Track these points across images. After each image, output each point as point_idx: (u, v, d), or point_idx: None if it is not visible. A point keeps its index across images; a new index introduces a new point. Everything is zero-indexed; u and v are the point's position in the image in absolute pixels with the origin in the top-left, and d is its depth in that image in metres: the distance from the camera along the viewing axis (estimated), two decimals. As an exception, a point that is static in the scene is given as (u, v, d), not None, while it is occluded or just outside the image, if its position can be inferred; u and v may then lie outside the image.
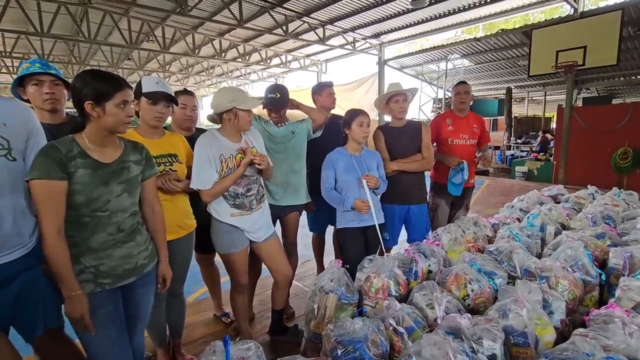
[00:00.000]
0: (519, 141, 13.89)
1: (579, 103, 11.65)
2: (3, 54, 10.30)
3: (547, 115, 15.60)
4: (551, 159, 9.32)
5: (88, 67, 11.99)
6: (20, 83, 1.62)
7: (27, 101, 1.64)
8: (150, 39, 9.53)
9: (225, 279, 2.42)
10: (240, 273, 1.89)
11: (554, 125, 14.37)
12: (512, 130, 13.49)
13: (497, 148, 14.23)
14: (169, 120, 2.02)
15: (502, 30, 8.84)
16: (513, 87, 13.22)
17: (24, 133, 1.32)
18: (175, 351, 1.94)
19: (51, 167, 1.13)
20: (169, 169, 1.67)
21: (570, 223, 2.51)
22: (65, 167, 1.15)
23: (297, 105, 2.29)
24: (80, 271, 1.22)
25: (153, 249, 1.45)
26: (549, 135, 12.47)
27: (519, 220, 2.70)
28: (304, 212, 2.63)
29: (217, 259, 2.27)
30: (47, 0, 7.31)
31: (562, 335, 1.39)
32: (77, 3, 7.64)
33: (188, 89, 2.19)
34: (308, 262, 3.25)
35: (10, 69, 12.29)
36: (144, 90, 1.60)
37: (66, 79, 1.68)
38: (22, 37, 9.50)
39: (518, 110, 16.83)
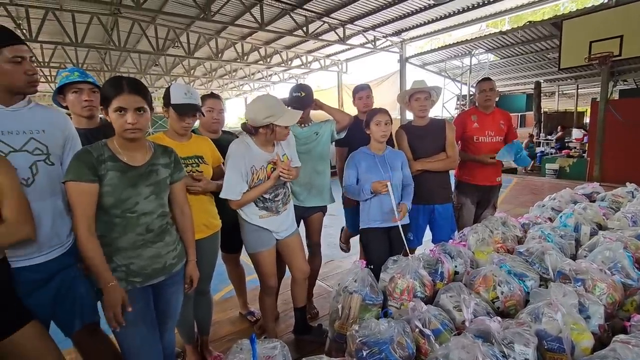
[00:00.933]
0: (549, 137, 13.29)
1: (615, 96, 10.99)
2: (42, 64, 10.94)
3: (579, 109, 14.87)
4: (585, 155, 8.86)
5: (118, 74, 12.52)
6: (60, 91, 1.71)
7: (66, 108, 1.74)
8: (176, 45, 9.86)
9: (249, 278, 2.47)
10: (269, 274, 1.92)
11: (587, 119, 13.69)
12: (542, 126, 12.92)
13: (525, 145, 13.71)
14: (196, 123, 2.08)
15: (530, 22, 8.50)
16: (542, 81, 12.66)
17: (61, 139, 1.40)
18: (203, 348, 1.99)
19: (83, 170, 1.19)
20: (196, 170, 1.72)
21: (607, 223, 2.38)
22: (96, 170, 1.21)
23: (320, 106, 2.30)
24: (112, 270, 1.27)
25: (182, 249, 1.49)
26: (580, 131, 11.89)
27: (550, 220, 2.59)
28: (342, 211, 2.65)
29: (242, 258, 2.32)
30: (81, 12, 7.71)
31: (601, 342, 1.32)
32: (108, 13, 8.02)
33: (212, 92, 2.24)
34: (331, 262, 3.26)
35: (48, 77, 13.03)
36: (172, 102, 1.65)
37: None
38: (58, 48, 10.07)
39: (548, 105, 16.11)
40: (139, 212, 1.28)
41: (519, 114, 15.82)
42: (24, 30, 7.48)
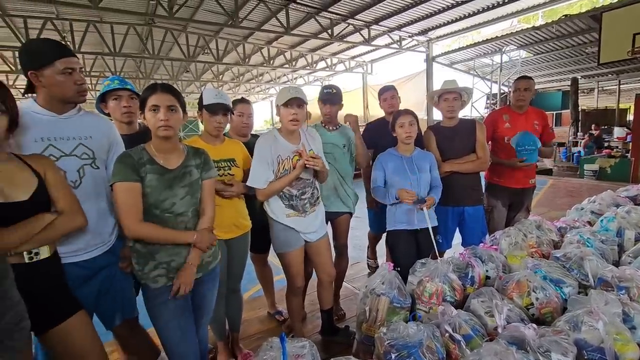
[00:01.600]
0: (585, 137, 12.56)
1: (663, 91, 10.25)
2: (84, 73, 11.66)
3: (621, 106, 13.95)
4: (628, 155, 8.30)
5: (152, 81, 13.13)
6: (102, 98, 1.83)
7: (108, 115, 1.85)
8: (206, 51, 10.22)
9: (277, 278, 2.52)
10: (296, 275, 1.94)
11: (630, 117, 12.83)
12: (579, 125, 12.23)
13: (561, 145, 13.03)
14: (227, 127, 2.16)
15: (566, 15, 8.09)
16: (579, 77, 12.03)
17: (106, 144, 1.51)
18: (234, 344, 2.05)
19: (128, 171, 1.28)
20: (227, 173, 1.78)
21: (654, 227, 2.22)
22: (138, 172, 1.30)
23: (354, 129, 2.28)
24: (155, 267, 1.35)
25: (217, 249, 1.56)
26: (623, 129, 11.15)
27: (590, 223, 2.46)
28: (366, 216, 2.65)
29: (270, 258, 2.37)
30: (119, 23, 8.17)
31: (648, 354, 1.24)
32: (143, 23, 8.45)
33: (242, 97, 2.31)
34: (358, 264, 3.25)
35: (89, 86, 13.88)
36: (204, 103, 1.73)
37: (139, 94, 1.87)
38: (98, 58, 10.70)
39: (586, 102, 15.25)
40: (175, 212, 1.35)
41: (554, 113, 15.07)
42: (69, 42, 8.02)
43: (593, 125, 11.99)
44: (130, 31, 8.47)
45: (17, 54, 9.37)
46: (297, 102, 1.74)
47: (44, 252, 1.17)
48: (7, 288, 0.93)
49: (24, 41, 7.55)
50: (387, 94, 2.66)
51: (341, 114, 2.33)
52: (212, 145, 1.75)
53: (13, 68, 9.84)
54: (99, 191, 1.46)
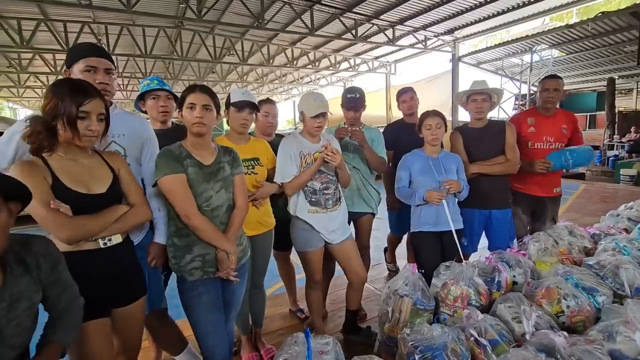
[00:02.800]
0: (624, 140, 11.89)
1: None
2: (117, 74, 12.20)
3: (664, 108, 13.11)
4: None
5: (180, 82, 13.58)
6: (141, 97, 1.93)
7: (145, 112, 1.96)
8: (231, 52, 10.45)
9: (300, 276, 2.55)
10: (315, 271, 1.98)
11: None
12: (615, 127, 11.60)
13: (595, 148, 12.39)
14: (253, 126, 2.21)
15: (603, 13, 7.69)
16: (616, 77, 11.40)
17: (139, 142, 1.57)
18: (257, 339, 2.10)
19: (174, 164, 1.37)
20: (251, 172, 1.83)
21: (698, 237, 2.09)
22: (181, 165, 1.38)
23: (362, 144, 2.18)
24: (192, 259, 1.41)
25: (247, 245, 1.61)
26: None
27: (626, 231, 2.35)
28: (387, 214, 2.65)
29: (293, 256, 2.41)
30: (150, 26, 8.50)
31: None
32: (172, 26, 8.75)
33: (268, 97, 2.37)
34: (379, 265, 3.24)
35: (121, 86, 14.50)
36: (232, 100, 1.80)
37: (175, 94, 1.97)
38: (130, 59, 11.17)
39: (623, 103, 14.42)
40: (212, 206, 1.42)
41: (588, 114, 14.39)
42: (104, 45, 8.43)
43: (633, 128, 11.34)
44: (160, 34, 8.80)
45: (57, 56, 10.02)
46: (323, 114, 1.85)
47: (116, 239, 1.28)
48: (61, 272, 1.02)
49: (63, 44, 8.00)
50: (406, 95, 2.63)
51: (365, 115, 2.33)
52: (237, 145, 1.81)
53: (53, 70, 10.43)
54: None
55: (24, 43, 7.80)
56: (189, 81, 13.97)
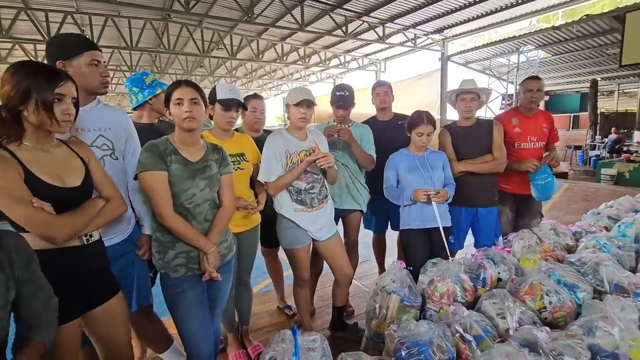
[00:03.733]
0: (606, 140, 12.24)
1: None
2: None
3: (643, 109, 13.52)
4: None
5: (167, 75, 13.33)
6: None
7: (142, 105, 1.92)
8: (220, 47, 10.29)
9: (287, 273, 2.54)
10: (302, 268, 1.97)
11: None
12: (597, 128, 11.92)
13: (578, 148, 12.72)
14: (240, 122, 2.18)
15: (587, 15, 7.87)
16: (599, 79, 11.70)
17: (124, 136, 1.55)
18: (243, 336, 2.08)
19: (156, 160, 1.33)
20: (238, 167, 1.81)
21: (674, 235, 2.17)
22: (164, 161, 1.35)
23: (349, 142, 2.16)
24: (175, 256, 1.39)
25: (232, 241, 1.60)
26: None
27: (606, 229, 2.42)
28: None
29: (281, 253, 2.39)
30: (136, 18, 8.29)
31: (664, 362, 1.22)
32: (159, 18, 8.55)
33: (256, 93, 2.33)
34: (367, 262, 3.25)
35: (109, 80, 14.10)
36: (218, 97, 1.75)
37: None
38: (115, 52, 10.88)
39: (605, 104, 14.83)
40: (195, 203, 1.39)
41: (572, 115, 14.73)
42: (87, 36, 8.18)
43: (613, 129, 11.66)
44: (147, 26, 8.58)
45: (38, 47, 9.68)
46: (307, 103, 1.83)
47: (96, 235, 1.25)
48: (34, 270, 0.98)
49: (45, 34, 7.73)
50: (381, 89, 2.53)
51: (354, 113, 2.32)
52: (221, 140, 1.78)
53: (34, 60, 10.07)
54: (118, 181, 1.50)
55: (3, 32, 7.50)
56: (176, 75, 13.71)
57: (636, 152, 10.50)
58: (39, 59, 9.91)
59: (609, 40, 8.85)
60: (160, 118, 2.00)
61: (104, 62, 1.47)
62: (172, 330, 1.62)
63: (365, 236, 2.80)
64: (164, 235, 1.39)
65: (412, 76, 11.58)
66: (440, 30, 9.63)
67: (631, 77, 11.79)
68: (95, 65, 1.41)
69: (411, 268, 1.81)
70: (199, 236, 1.38)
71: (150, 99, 1.88)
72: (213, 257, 1.39)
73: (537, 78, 2.56)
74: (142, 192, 1.46)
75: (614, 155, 10.56)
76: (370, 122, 2.53)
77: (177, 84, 1.40)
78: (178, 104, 1.37)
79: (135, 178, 1.37)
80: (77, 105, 1.18)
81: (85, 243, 1.20)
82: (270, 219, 2.00)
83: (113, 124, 1.51)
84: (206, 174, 1.42)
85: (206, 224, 1.43)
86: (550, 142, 2.61)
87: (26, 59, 9.89)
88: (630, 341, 1.18)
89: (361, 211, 2.32)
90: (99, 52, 1.44)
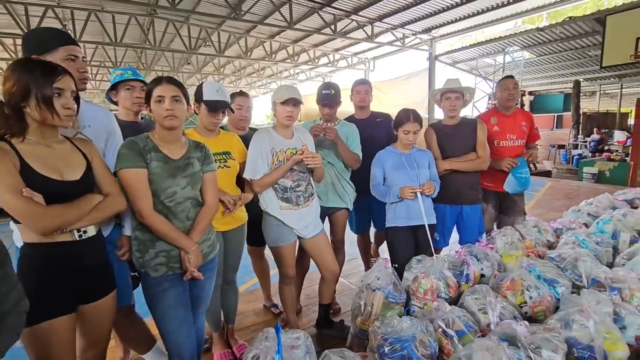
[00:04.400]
0: (588, 139, 12.57)
1: (664, 96, 10.23)
2: (85, 62, 11.57)
3: (623, 110, 13.95)
4: (627, 159, 8.33)
5: (153, 72, 13.10)
6: (113, 87, 1.84)
7: (115, 103, 1.88)
8: (207, 44, 10.15)
9: (274, 272, 2.53)
10: (288, 265, 1.97)
11: (631, 121, 12.84)
12: (580, 128, 12.24)
13: (561, 147, 13.03)
14: (226, 119, 2.16)
15: (570, 17, 8.05)
16: (582, 79, 11.99)
17: (104, 133, 1.52)
18: (229, 336, 2.07)
19: (135, 157, 1.31)
20: (224, 165, 1.79)
21: (649, 231, 2.24)
22: (144, 158, 1.33)
23: (335, 141, 2.15)
24: (156, 254, 1.37)
25: (215, 240, 1.58)
26: (624, 133, 11.13)
27: (586, 225, 2.48)
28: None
29: (267, 252, 2.38)
30: (121, 13, 8.11)
31: (637, 354, 1.27)
32: (145, 14, 8.38)
33: (241, 90, 2.31)
34: (354, 260, 3.27)
35: (90, 75, 13.77)
36: (204, 98, 1.73)
37: None
38: (99, 47, 10.64)
39: (587, 105, 15.22)
40: (176, 201, 1.37)
41: (555, 115, 15.06)
42: (69, 31, 7.96)
43: (595, 129, 11.98)
44: (132, 21, 8.40)
45: (17, 41, 9.39)
46: (293, 101, 1.83)
47: (91, 231, 1.23)
48: (8, 269, 0.95)
49: (25, 29, 7.51)
50: (362, 87, 2.49)
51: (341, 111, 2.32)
52: (207, 138, 1.76)
53: (14, 55, 9.77)
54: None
55: (-19, 26, 7.27)
56: (162, 72, 13.48)
57: (616, 151, 10.84)
58: (19, 54, 9.62)
59: (590, 42, 9.08)
60: (142, 114, 1.96)
61: (83, 57, 1.43)
62: (155, 331, 1.59)
63: (352, 234, 2.81)
64: (143, 233, 1.37)
65: (400, 75, 11.67)
66: (428, 30, 9.72)
67: (612, 79, 12.12)
68: (72, 61, 1.38)
69: (396, 265, 1.82)
70: (180, 235, 1.36)
71: (111, 93, 1.84)
72: (194, 256, 1.37)
73: (511, 77, 2.65)
74: (123, 191, 1.43)
75: (596, 154, 10.85)
76: (348, 120, 2.50)
77: (158, 81, 1.37)
78: (159, 101, 1.35)
79: (114, 175, 1.34)
80: (77, 99, 1.19)
81: (77, 238, 1.18)
82: (256, 217, 1.98)
83: (93, 121, 1.48)
84: (188, 171, 1.40)
85: (188, 223, 1.41)
86: (530, 140, 2.68)
87: (5, 54, 9.62)
88: (604, 333, 1.22)
89: (347, 209, 2.33)
90: (77, 47, 1.41)
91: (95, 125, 1.48)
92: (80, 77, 1.41)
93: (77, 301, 1.23)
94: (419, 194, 2.01)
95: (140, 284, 1.73)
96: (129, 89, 1.81)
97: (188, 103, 1.44)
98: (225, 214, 1.77)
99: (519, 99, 2.66)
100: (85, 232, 1.20)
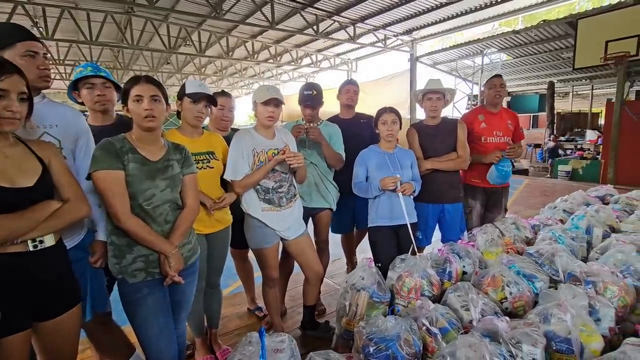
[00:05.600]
0: (562, 138, 13.05)
1: (631, 97, 10.74)
2: (57, 61, 11.16)
3: (594, 110, 14.56)
4: (599, 157, 8.70)
5: (131, 72, 12.75)
6: (75, 87, 1.73)
7: (82, 104, 1.77)
8: (188, 43, 9.97)
9: (258, 274, 2.50)
10: (271, 267, 1.95)
11: (602, 121, 13.42)
12: (555, 127, 12.70)
13: (537, 146, 13.48)
14: (207, 121, 2.11)
15: (544, 21, 8.34)
16: (556, 81, 12.45)
17: (73, 134, 1.45)
18: (212, 341, 2.02)
19: (111, 158, 1.25)
20: (207, 166, 1.75)
21: (620, 226, 2.34)
22: (121, 160, 1.27)
23: (319, 141, 2.15)
24: (133, 260, 1.32)
25: (196, 243, 1.54)
26: (595, 132, 11.61)
27: (562, 221, 2.56)
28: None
29: (251, 254, 2.35)
30: (96, 11, 7.85)
31: (611, 344, 1.31)
32: (121, 12, 8.14)
33: (223, 90, 2.27)
34: (339, 260, 3.27)
35: (64, 75, 13.29)
36: (187, 91, 1.70)
37: (117, 82, 1.80)
38: (73, 46, 10.27)
39: (561, 105, 15.83)
40: (155, 204, 1.33)
41: (531, 115, 15.57)
42: (41, 29, 7.64)
43: (552, 136, 12.27)
44: (108, 19, 8.15)
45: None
46: (274, 101, 1.81)
47: (49, 240, 1.14)
48: None
49: (-8, 25, 7.15)
50: (351, 87, 2.50)
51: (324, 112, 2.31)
52: (190, 138, 1.72)
53: (-20, 53, 9.30)
54: None
55: (-57, 22, 6.88)
56: (141, 71, 13.13)
57: (589, 149, 11.30)
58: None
59: (564, 45, 9.44)
60: (119, 113, 1.87)
61: (45, 53, 1.34)
62: (134, 338, 1.54)
63: (338, 235, 2.81)
64: (120, 238, 1.31)
65: (383, 76, 11.80)
66: (409, 32, 9.87)
67: (584, 80, 12.64)
68: (31, 57, 1.29)
69: (380, 265, 1.83)
70: (159, 239, 1.32)
71: (74, 93, 1.73)
72: (174, 260, 1.33)
73: (498, 76, 2.73)
74: (97, 195, 1.37)
75: (550, 160, 11.08)
76: (333, 120, 2.50)
77: (136, 80, 1.33)
78: (137, 101, 1.30)
79: (89, 178, 1.28)
80: (30, 99, 1.10)
81: (32, 249, 1.10)
82: (239, 219, 1.95)
83: (60, 120, 1.40)
84: (167, 174, 1.36)
85: (167, 226, 1.37)
86: (516, 139, 2.77)
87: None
88: (581, 326, 1.26)
89: (331, 209, 2.32)
90: (38, 43, 1.31)
91: (63, 125, 1.40)
92: (40, 75, 1.33)
93: (33, 317, 1.14)
94: (400, 194, 2.02)
95: (111, 290, 1.68)
96: (90, 87, 1.69)
97: (167, 103, 1.40)
98: (209, 215, 1.74)
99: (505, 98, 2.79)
100: (41, 242, 1.11)
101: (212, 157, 1.79)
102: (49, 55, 1.40)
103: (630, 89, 10.46)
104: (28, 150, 1.15)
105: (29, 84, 1.11)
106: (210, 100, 1.74)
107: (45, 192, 1.14)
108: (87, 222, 1.47)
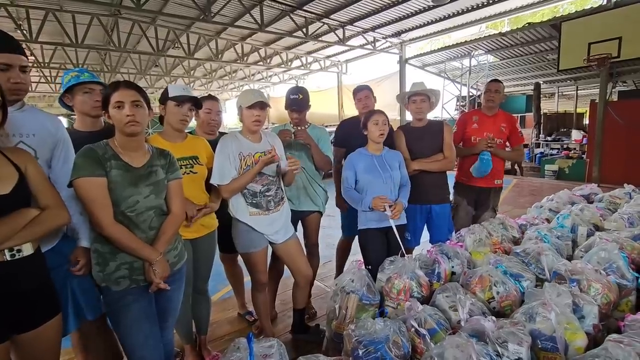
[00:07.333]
0: (549, 139, 13.30)
1: (614, 97, 11.02)
2: (42, 64, 10.95)
3: (579, 110, 14.87)
4: (584, 156, 8.89)
5: (119, 75, 12.57)
6: (68, 91, 1.69)
7: (70, 108, 1.73)
8: (176, 45, 9.88)
9: (248, 279, 2.48)
10: (260, 271, 1.94)
11: (586, 121, 13.71)
12: (541, 127, 12.94)
13: (525, 146, 13.67)
14: (194, 124, 2.09)
15: (529, 23, 8.50)
16: (542, 82, 12.69)
17: (51, 143, 1.41)
18: (202, 347, 2.00)
19: (93, 165, 1.24)
20: (190, 170, 1.73)
21: (604, 224, 2.39)
22: (103, 166, 1.25)
23: (308, 142, 2.20)
24: (117, 267, 1.30)
25: (182, 249, 1.52)
26: (580, 132, 11.85)
27: (548, 220, 2.60)
28: (339, 215, 2.64)
29: (240, 258, 2.33)
30: (81, 13, 7.73)
31: (595, 341, 1.33)
32: (108, 14, 8.04)
33: (212, 93, 2.26)
34: (329, 263, 3.27)
35: (49, 78, 13.04)
36: (170, 95, 1.68)
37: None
38: (58, 49, 10.09)
39: (547, 106, 16.13)
40: (138, 211, 1.31)
41: (519, 115, 15.82)
42: (25, 31, 7.49)
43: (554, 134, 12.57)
44: (94, 22, 8.03)
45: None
46: (260, 105, 1.80)
47: (27, 249, 1.11)
48: None
49: (-27, 28, 6.98)
50: (361, 93, 2.60)
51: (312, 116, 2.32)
52: (173, 143, 1.70)
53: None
54: None
55: None
56: (128, 74, 12.95)
57: (574, 149, 11.53)
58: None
59: (548, 47, 9.63)
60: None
61: (23, 65, 1.29)
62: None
63: (328, 237, 2.81)
64: (103, 245, 1.29)
65: (373, 78, 11.88)
66: (398, 34, 9.96)
67: (568, 81, 12.91)
68: (2, 71, 1.24)
69: (370, 267, 1.83)
70: (143, 245, 1.30)
71: (66, 97, 1.70)
72: (160, 267, 1.31)
73: (496, 81, 2.81)
74: (78, 201, 1.34)
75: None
76: (353, 122, 2.50)
77: (115, 86, 1.30)
78: (118, 107, 1.28)
79: (70, 185, 1.26)
80: (4, 107, 1.08)
81: (9, 259, 1.07)
82: (228, 223, 1.94)
83: (38, 129, 1.37)
84: (151, 180, 1.34)
85: (151, 233, 1.35)
86: (513, 143, 2.83)
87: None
88: (565, 324, 1.28)
89: (320, 212, 2.32)
90: (14, 55, 1.27)
91: (41, 134, 1.37)
92: (11, 88, 1.27)
93: (11, 329, 1.11)
94: (388, 212, 2.00)
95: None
96: (87, 92, 1.68)
97: (149, 108, 1.38)
98: (188, 224, 1.70)
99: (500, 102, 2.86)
100: (19, 251, 1.09)
101: (195, 162, 1.77)
102: (29, 67, 1.33)
103: (613, 90, 10.71)
104: (3, 157, 1.12)
105: (2, 93, 1.08)
106: (195, 103, 1.73)
107: (23, 200, 1.12)
108: (63, 228, 1.44)
